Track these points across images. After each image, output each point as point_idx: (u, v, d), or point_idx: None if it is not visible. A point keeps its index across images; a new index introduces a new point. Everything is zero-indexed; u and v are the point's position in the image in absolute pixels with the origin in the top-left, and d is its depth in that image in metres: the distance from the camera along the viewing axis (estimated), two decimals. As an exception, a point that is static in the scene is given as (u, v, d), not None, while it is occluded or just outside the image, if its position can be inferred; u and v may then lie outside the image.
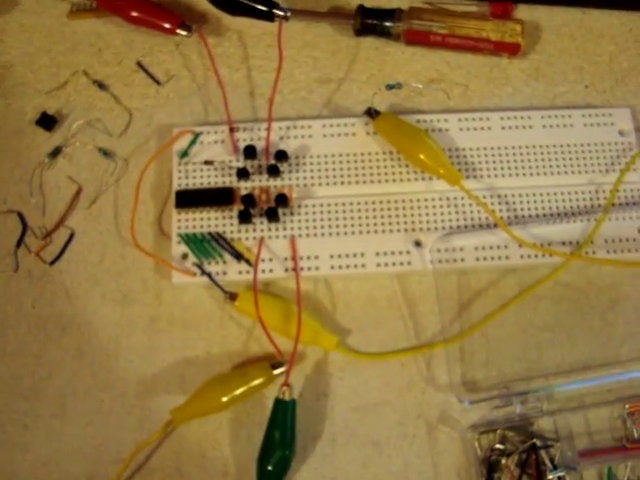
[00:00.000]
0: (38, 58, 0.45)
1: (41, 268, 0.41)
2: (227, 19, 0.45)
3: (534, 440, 0.37)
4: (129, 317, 0.40)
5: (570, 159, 0.41)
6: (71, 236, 0.41)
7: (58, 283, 0.40)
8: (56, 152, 0.42)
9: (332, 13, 0.45)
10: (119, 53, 0.45)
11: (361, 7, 0.43)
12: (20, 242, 0.41)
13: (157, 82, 0.44)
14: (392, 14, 0.43)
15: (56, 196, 0.42)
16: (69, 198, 0.42)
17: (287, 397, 0.36)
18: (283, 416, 0.36)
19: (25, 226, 0.41)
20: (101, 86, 0.44)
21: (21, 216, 0.42)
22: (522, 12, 0.45)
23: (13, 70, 0.45)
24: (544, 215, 0.40)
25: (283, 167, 0.41)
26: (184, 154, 0.41)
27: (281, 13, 0.40)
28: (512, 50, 0.43)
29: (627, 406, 0.37)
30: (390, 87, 0.41)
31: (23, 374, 0.39)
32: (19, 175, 0.42)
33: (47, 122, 0.43)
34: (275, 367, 0.37)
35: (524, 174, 0.41)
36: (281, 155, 0.40)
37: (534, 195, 0.40)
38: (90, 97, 0.44)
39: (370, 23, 0.43)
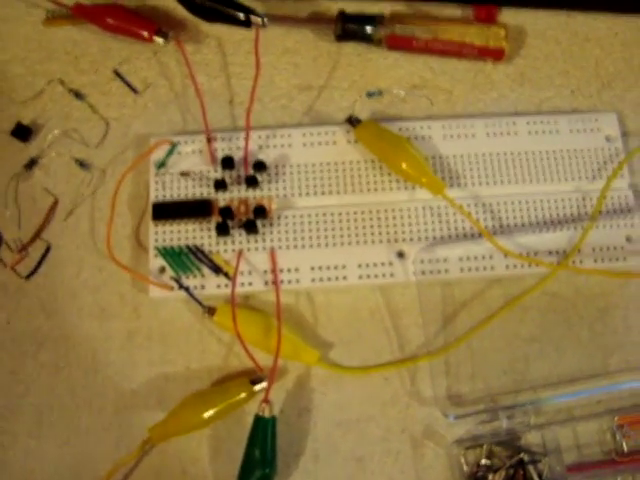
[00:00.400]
0: (13, 66, 0.44)
1: (16, 282, 0.40)
2: (205, 25, 0.44)
3: (521, 455, 0.36)
4: (107, 332, 0.39)
5: (556, 166, 0.40)
6: (47, 249, 0.40)
7: (34, 297, 0.40)
8: (32, 163, 0.41)
9: (312, 19, 0.44)
10: (96, 61, 0.44)
11: (342, 13, 0.43)
12: (-5, 256, 0.40)
13: (134, 91, 0.43)
14: (373, 19, 0.42)
15: (32, 208, 0.41)
16: (45, 210, 0.41)
17: (267, 414, 0.36)
18: (263, 433, 0.35)
19: (0, 239, 0.40)
20: (77, 95, 0.43)
21: (-4, 229, 0.41)
22: (506, 16, 0.45)
23: (-13, 79, 0.44)
24: (530, 223, 0.39)
25: (262, 177, 0.40)
26: (161, 164, 0.40)
27: (258, 20, 0.39)
28: (496, 55, 0.42)
29: (616, 418, 0.37)
30: (370, 94, 0.41)
31: (-2, 391, 0.38)
32: (-7, 187, 0.41)
33: (22, 133, 0.42)
34: (255, 382, 0.37)
35: (509, 181, 0.40)
36: (260, 165, 0.39)
37: (519, 203, 0.40)
38: (66, 106, 0.43)
39: (351, 28, 0.42)
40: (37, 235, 0.41)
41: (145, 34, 0.43)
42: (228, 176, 0.40)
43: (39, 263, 0.40)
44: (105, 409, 0.37)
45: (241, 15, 0.39)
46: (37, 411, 0.37)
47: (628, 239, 0.39)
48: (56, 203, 0.41)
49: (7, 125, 0.42)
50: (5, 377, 0.38)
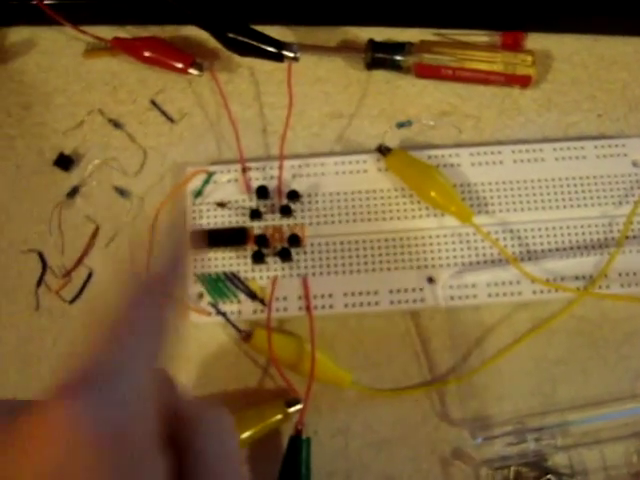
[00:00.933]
0: (55, 98, 0.46)
1: (61, 307, 0.42)
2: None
3: (549, 476, 0.37)
4: (147, 355, 0.40)
5: (583, 191, 0.41)
6: (89, 275, 0.42)
7: (77, 321, 0.41)
8: (74, 192, 0.43)
9: (343, 47, 0.45)
10: (133, 91, 0.46)
11: (371, 41, 0.44)
12: (40, 281, 0.42)
13: (171, 120, 0.45)
14: (402, 48, 0.43)
15: (74, 235, 0.43)
16: (87, 237, 0.43)
17: (302, 435, 0.37)
18: (298, 454, 0.37)
19: (45, 265, 0.42)
20: (116, 125, 0.45)
21: (41, 255, 0.42)
22: (533, 41, 0.45)
23: (32, 110, 0.46)
24: (557, 249, 0.40)
25: (296, 206, 0.41)
26: (198, 194, 0.41)
27: (290, 54, 0.40)
28: (523, 82, 0.43)
29: (642, 442, 0.37)
30: (401, 125, 0.42)
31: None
32: (39, 215, 0.43)
33: (64, 162, 0.44)
34: (290, 405, 0.38)
35: (536, 208, 0.41)
36: (293, 195, 0.40)
37: (547, 229, 0.40)
38: (105, 136, 0.45)
39: (381, 57, 0.43)
40: (80, 261, 0.42)
41: (180, 66, 0.44)
42: (263, 205, 0.41)
43: (82, 288, 0.42)
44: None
45: (273, 50, 0.40)
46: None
47: (654, 264, 0.40)
48: (97, 230, 0.43)
49: (50, 155, 0.44)
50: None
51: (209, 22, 0.42)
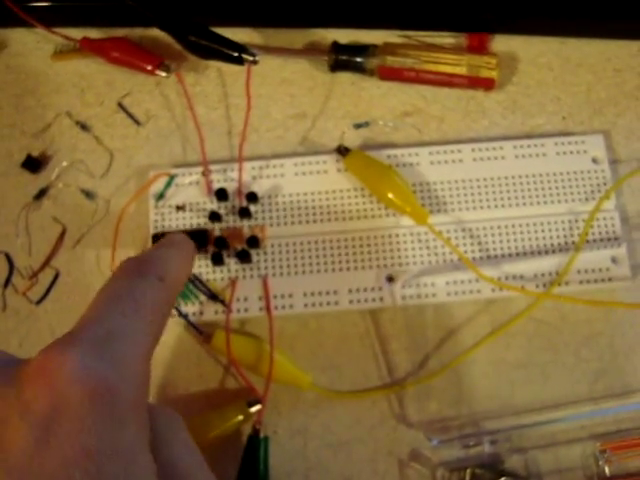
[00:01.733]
0: (24, 100, 0.46)
1: (27, 308, 0.42)
2: (205, 58, 0.45)
3: (504, 478, 0.37)
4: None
5: (543, 189, 0.41)
6: (56, 276, 0.43)
7: (44, 322, 0.42)
8: (41, 194, 0.44)
9: (308, 49, 0.45)
10: (101, 94, 0.46)
11: (335, 43, 0.44)
12: (7, 282, 0.43)
13: (137, 122, 0.45)
14: (365, 50, 0.43)
15: (41, 237, 0.43)
16: (54, 239, 0.43)
17: (260, 434, 0.37)
18: (256, 453, 0.37)
19: (12, 266, 0.43)
20: (83, 127, 0.45)
21: (8, 257, 0.43)
22: (499, 42, 0.45)
23: (1, 112, 0.46)
24: (516, 247, 0.40)
25: (256, 207, 0.41)
26: (160, 196, 0.42)
27: (250, 58, 0.40)
28: (486, 85, 0.43)
29: (598, 444, 0.37)
30: (358, 126, 0.42)
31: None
32: (6, 217, 0.44)
33: (32, 164, 0.44)
34: (251, 405, 0.38)
35: (496, 206, 0.41)
36: (252, 197, 0.41)
37: (506, 227, 0.40)
38: (73, 138, 0.45)
39: (344, 59, 0.43)
40: (47, 262, 0.43)
41: (149, 67, 0.45)
42: (223, 207, 0.41)
43: (48, 289, 0.42)
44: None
45: (233, 53, 0.40)
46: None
47: (613, 260, 0.40)
48: (64, 232, 0.43)
49: (18, 157, 0.44)
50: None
51: (170, 25, 0.42)
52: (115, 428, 0.20)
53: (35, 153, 0.44)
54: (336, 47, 0.44)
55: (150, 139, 0.45)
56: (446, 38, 0.45)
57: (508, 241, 0.40)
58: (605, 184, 0.41)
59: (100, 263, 0.42)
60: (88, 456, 0.19)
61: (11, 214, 0.44)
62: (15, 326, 0.42)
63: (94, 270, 0.42)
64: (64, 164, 0.44)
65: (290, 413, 0.39)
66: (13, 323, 0.42)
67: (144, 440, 0.21)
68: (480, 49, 0.44)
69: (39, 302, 0.42)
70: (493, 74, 0.42)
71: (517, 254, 0.40)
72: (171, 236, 0.29)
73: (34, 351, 0.40)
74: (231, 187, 0.42)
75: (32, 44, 0.47)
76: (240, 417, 0.38)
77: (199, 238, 0.40)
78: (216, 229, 0.41)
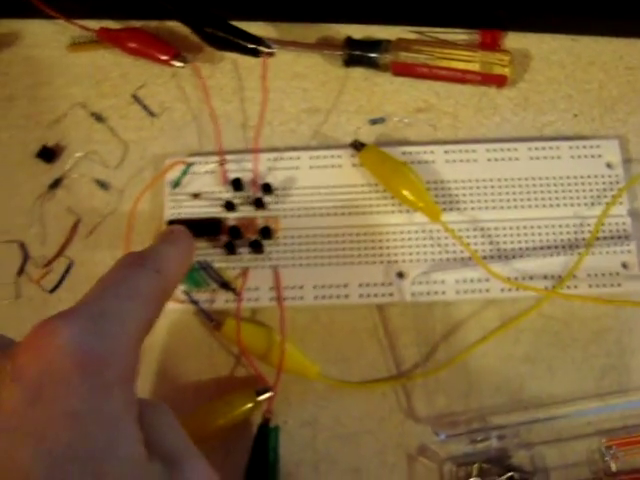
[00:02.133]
0: (39, 91, 0.47)
1: (41, 296, 0.42)
2: (220, 50, 0.46)
3: (511, 474, 0.37)
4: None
5: (556, 191, 0.41)
6: (69, 265, 0.43)
7: (57, 310, 0.42)
8: (56, 184, 0.44)
9: (321, 44, 0.46)
10: (116, 85, 0.46)
11: (348, 39, 0.44)
12: (21, 271, 0.43)
13: (152, 114, 0.45)
14: (379, 45, 0.44)
15: (56, 226, 0.44)
16: (68, 228, 0.43)
17: (270, 423, 0.38)
18: (266, 442, 0.38)
19: (26, 255, 0.43)
20: (98, 118, 0.45)
21: (22, 246, 0.43)
22: (512, 40, 0.45)
23: (17, 103, 0.46)
24: (527, 248, 0.40)
25: (270, 198, 0.42)
26: (176, 184, 0.42)
27: (266, 50, 0.41)
28: (499, 82, 0.43)
29: (604, 440, 0.38)
30: (374, 122, 0.42)
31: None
32: (21, 206, 0.44)
33: (47, 155, 0.44)
34: (260, 393, 0.39)
35: (509, 207, 0.41)
36: (267, 187, 0.41)
37: (517, 228, 0.41)
38: (88, 129, 0.45)
39: (357, 55, 0.44)
40: (60, 252, 0.43)
41: (165, 57, 0.45)
42: (238, 197, 0.42)
43: (62, 278, 0.43)
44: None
45: (250, 45, 0.41)
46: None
47: (624, 265, 0.40)
48: (78, 222, 0.44)
49: (34, 147, 0.45)
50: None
51: (188, 17, 0.43)
52: (101, 395, 0.21)
53: (50, 143, 0.45)
54: (350, 42, 0.44)
55: (165, 130, 0.45)
56: (459, 35, 0.46)
57: (519, 242, 0.40)
58: (618, 189, 0.41)
59: (113, 253, 0.43)
60: (73, 417, 0.21)
61: (26, 204, 0.44)
62: (29, 314, 0.42)
63: (107, 260, 0.43)
64: (79, 155, 0.45)
65: (300, 404, 0.40)
66: (27, 311, 0.42)
67: (131, 413, 0.22)
68: (493, 46, 0.44)
69: (53, 291, 0.43)
70: (506, 71, 0.43)
71: (528, 255, 0.40)
72: (171, 230, 0.31)
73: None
74: (246, 177, 0.42)
75: (48, 35, 0.48)
76: (249, 405, 0.38)
77: (212, 227, 0.41)
78: (230, 218, 0.41)
